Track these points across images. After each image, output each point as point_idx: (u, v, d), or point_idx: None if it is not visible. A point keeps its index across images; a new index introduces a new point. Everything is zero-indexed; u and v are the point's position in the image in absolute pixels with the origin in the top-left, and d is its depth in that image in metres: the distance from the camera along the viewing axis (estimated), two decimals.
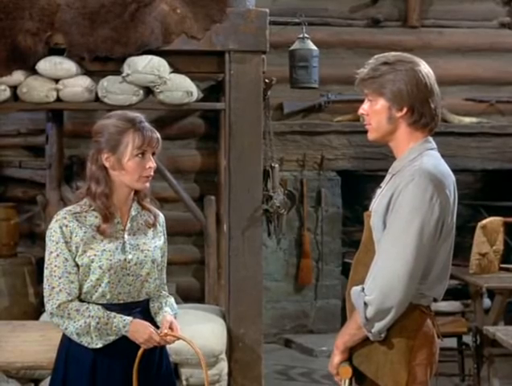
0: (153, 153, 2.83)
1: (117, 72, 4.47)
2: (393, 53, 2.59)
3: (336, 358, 2.56)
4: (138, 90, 4.48)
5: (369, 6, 7.36)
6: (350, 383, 2.56)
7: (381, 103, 2.53)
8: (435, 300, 2.57)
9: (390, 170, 2.60)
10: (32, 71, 4.43)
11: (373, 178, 6.02)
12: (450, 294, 5.19)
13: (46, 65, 4.40)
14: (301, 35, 5.63)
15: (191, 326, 4.01)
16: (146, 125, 2.82)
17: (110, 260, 2.77)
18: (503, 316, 5.64)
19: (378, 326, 2.45)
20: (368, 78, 2.54)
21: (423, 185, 2.42)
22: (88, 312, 2.75)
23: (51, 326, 3.10)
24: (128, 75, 4.40)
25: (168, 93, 4.48)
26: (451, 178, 2.53)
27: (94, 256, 2.76)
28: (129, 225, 2.85)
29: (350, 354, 2.56)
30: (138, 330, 2.76)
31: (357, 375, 2.56)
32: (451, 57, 7.29)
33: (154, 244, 2.90)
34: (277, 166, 4.84)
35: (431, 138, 2.59)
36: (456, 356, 5.51)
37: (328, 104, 7.16)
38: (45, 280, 2.79)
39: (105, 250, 2.78)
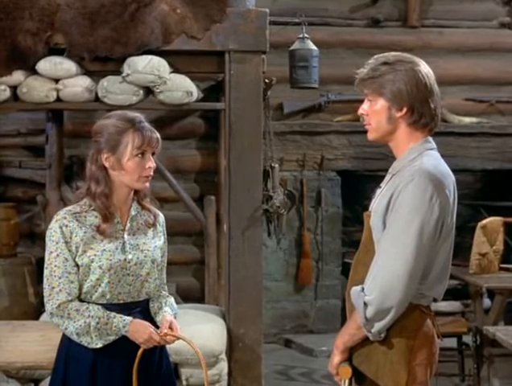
0: (153, 153, 2.83)
1: (117, 72, 4.47)
2: (393, 53, 2.58)
3: (336, 358, 2.56)
4: (138, 90, 4.48)
5: (369, 6, 7.36)
6: (350, 384, 2.56)
7: (381, 103, 2.53)
8: (434, 300, 2.57)
9: (389, 170, 2.60)
10: (32, 71, 4.43)
11: (373, 178, 6.02)
12: (450, 294, 5.19)
13: (46, 65, 4.40)
14: (301, 35, 5.63)
15: (191, 326, 4.01)
16: (146, 125, 2.82)
17: (110, 260, 2.77)
18: (503, 316, 5.64)
19: (378, 326, 2.45)
20: (368, 78, 2.54)
21: (423, 185, 2.42)
22: (88, 312, 2.75)
23: (51, 326, 3.10)
24: (128, 75, 4.40)
25: (168, 93, 4.48)
26: (450, 178, 2.53)
27: (94, 256, 2.76)
28: (129, 225, 2.85)
29: (350, 354, 2.56)
30: (138, 330, 2.76)
31: (357, 375, 2.56)
32: (451, 57, 7.29)
33: (154, 243, 2.90)
34: (277, 166, 4.84)
35: (430, 138, 2.58)
36: (456, 356, 5.51)
37: (328, 104, 7.16)
38: (45, 280, 2.79)
39: (104, 250, 2.78)
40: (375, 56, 2.58)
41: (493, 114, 7.40)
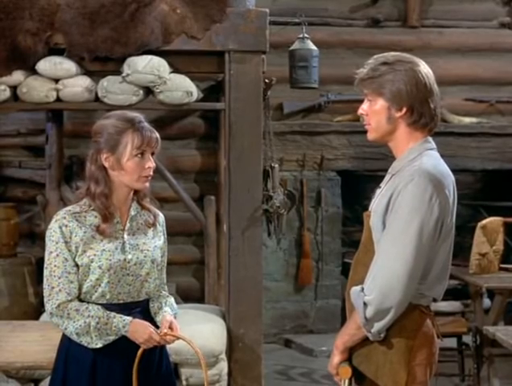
0: (152, 153, 2.83)
1: (117, 72, 4.47)
2: (392, 53, 2.58)
3: (336, 358, 2.56)
4: (138, 90, 4.48)
5: (369, 6, 7.37)
6: (350, 384, 2.56)
7: (381, 103, 2.53)
8: (434, 300, 2.57)
9: (389, 170, 2.60)
10: (32, 71, 4.43)
11: (373, 178, 6.02)
12: (450, 294, 5.19)
13: (46, 65, 4.40)
14: (301, 35, 5.63)
15: (191, 326, 4.01)
16: (146, 124, 2.82)
17: (110, 260, 2.77)
18: (503, 316, 5.64)
19: (378, 326, 2.45)
20: (367, 78, 2.54)
21: (423, 185, 2.42)
22: (87, 312, 2.75)
23: (51, 326, 3.10)
24: (128, 75, 4.40)
25: (168, 93, 4.48)
26: (450, 179, 2.53)
27: (94, 256, 2.76)
28: (128, 225, 2.85)
29: (350, 354, 2.56)
30: (138, 330, 2.76)
31: (357, 375, 2.56)
32: (451, 57, 7.29)
33: (154, 243, 2.90)
34: (277, 166, 4.84)
35: (430, 138, 2.58)
36: (456, 356, 5.51)
37: (328, 104, 7.16)
38: (45, 280, 2.79)
39: (104, 250, 2.78)
40: (375, 56, 2.58)
41: (493, 114, 7.40)
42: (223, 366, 4.41)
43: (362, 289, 2.46)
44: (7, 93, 4.43)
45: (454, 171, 2.61)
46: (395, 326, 2.47)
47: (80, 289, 2.79)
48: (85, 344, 2.75)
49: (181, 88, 4.50)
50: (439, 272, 2.52)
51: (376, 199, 2.59)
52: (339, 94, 7.08)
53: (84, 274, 2.77)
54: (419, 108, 2.51)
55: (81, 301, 2.79)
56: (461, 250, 5.95)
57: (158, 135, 2.84)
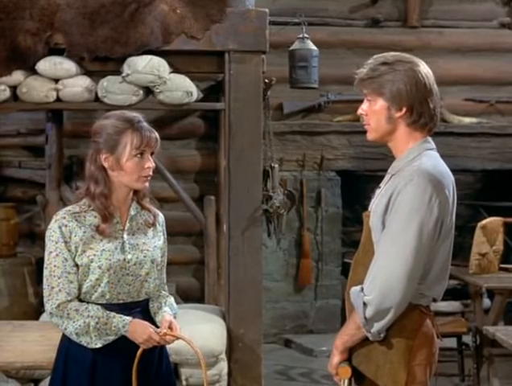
0: (151, 153, 2.82)
1: (117, 72, 4.47)
2: (392, 53, 2.58)
3: (336, 358, 2.56)
4: (138, 90, 4.48)
5: (368, 6, 7.36)
6: (350, 384, 2.56)
7: (380, 103, 2.53)
8: (434, 300, 2.57)
9: (389, 170, 2.60)
10: (32, 71, 4.43)
11: (373, 178, 6.02)
12: (450, 294, 5.20)
13: (46, 65, 4.41)
14: (301, 35, 5.63)
15: (191, 326, 4.01)
16: (145, 124, 2.82)
17: (109, 259, 2.77)
18: (503, 316, 5.65)
19: (377, 326, 2.45)
20: (367, 78, 2.54)
21: (422, 185, 2.42)
22: (87, 312, 2.75)
23: (51, 326, 3.10)
24: (128, 75, 4.40)
25: (168, 93, 4.49)
26: (450, 179, 2.53)
27: (93, 256, 2.76)
28: (128, 225, 2.85)
29: (350, 354, 2.56)
30: (137, 331, 2.76)
31: (357, 375, 2.56)
32: (451, 57, 7.29)
33: (154, 243, 2.90)
34: (277, 166, 4.84)
35: (430, 138, 2.58)
36: (456, 356, 5.51)
37: (328, 104, 7.16)
38: (44, 280, 2.79)
39: (104, 250, 2.78)
40: (374, 56, 2.58)
41: (492, 114, 7.39)
42: (223, 366, 4.41)
43: (362, 289, 2.46)
44: (7, 93, 4.43)
45: (454, 171, 2.61)
46: (395, 326, 2.47)
47: (79, 289, 2.78)
48: (85, 344, 2.75)
49: (181, 88, 4.50)
50: (438, 272, 2.52)
51: (375, 199, 2.59)
52: (339, 94, 7.08)
53: (83, 274, 2.77)
54: (418, 108, 2.51)
55: (81, 301, 2.79)
56: (461, 250, 5.96)
57: (157, 135, 2.84)
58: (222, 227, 5.57)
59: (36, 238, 6.77)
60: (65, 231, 2.76)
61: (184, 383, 4.29)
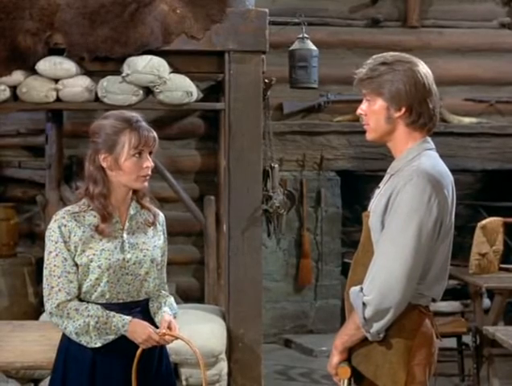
0: (150, 153, 2.83)
1: (117, 72, 4.47)
2: (391, 53, 2.58)
3: (335, 358, 2.56)
4: (138, 90, 4.48)
5: (368, 6, 7.36)
6: (349, 384, 2.56)
7: (380, 103, 2.53)
8: (433, 300, 2.57)
9: (388, 170, 2.60)
10: (32, 71, 4.43)
11: (373, 178, 6.01)
12: (450, 294, 5.20)
13: (46, 65, 4.41)
14: (301, 35, 5.62)
15: (190, 326, 4.01)
16: (143, 124, 2.82)
17: (109, 259, 2.77)
18: (503, 316, 5.65)
19: (377, 326, 2.45)
20: (366, 78, 2.54)
21: (422, 185, 2.42)
22: (87, 311, 2.75)
23: (51, 326, 3.10)
24: (128, 75, 4.40)
25: (168, 93, 4.49)
26: (449, 179, 2.53)
27: (93, 256, 2.76)
28: (127, 224, 2.85)
29: (349, 354, 2.56)
30: (137, 330, 2.76)
31: (356, 375, 2.56)
32: (451, 57, 7.29)
33: (154, 243, 2.90)
34: (276, 166, 4.84)
35: (429, 138, 2.58)
36: (456, 356, 5.51)
37: (328, 104, 7.16)
38: (44, 279, 2.79)
39: (103, 249, 2.78)
40: (374, 56, 2.58)
41: (492, 114, 7.39)
42: (223, 366, 4.41)
43: (361, 289, 2.46)
44: (7, 93, 4.43)
45: (454, 171, 2.61)
46: (394, 327, 2.47)
47: (79, 288, 2.79)
48: (85, 344, 2.76)
49: (181, 88, 4.50)
50: (438, 272, 2.52)
51: (375, 199, 2.59)
52: (338, 94, 7.08)
53: (83, 274, 2.78)
54: (417, 108, 2.51)
55: (81, 300, 2.80)
56: (461, 250, 5.95)
57: (155, 134, 2.84)
58: (222, 227, 5.57)
59: (36, 238, 6.77)
60: (65, 231, 2.76)
61: (184, 383, 4.29)
